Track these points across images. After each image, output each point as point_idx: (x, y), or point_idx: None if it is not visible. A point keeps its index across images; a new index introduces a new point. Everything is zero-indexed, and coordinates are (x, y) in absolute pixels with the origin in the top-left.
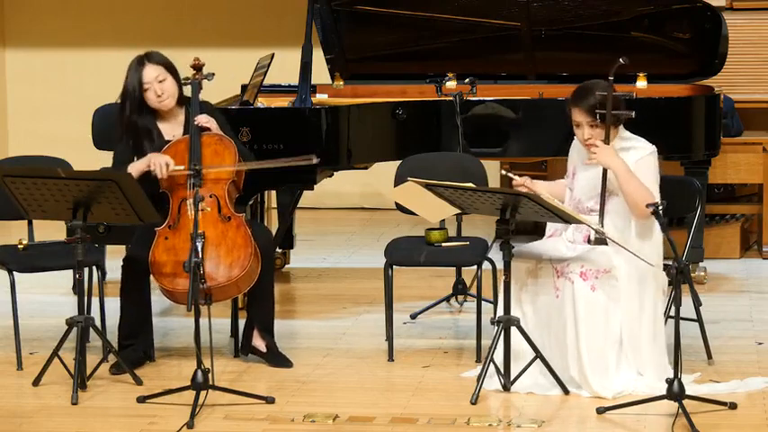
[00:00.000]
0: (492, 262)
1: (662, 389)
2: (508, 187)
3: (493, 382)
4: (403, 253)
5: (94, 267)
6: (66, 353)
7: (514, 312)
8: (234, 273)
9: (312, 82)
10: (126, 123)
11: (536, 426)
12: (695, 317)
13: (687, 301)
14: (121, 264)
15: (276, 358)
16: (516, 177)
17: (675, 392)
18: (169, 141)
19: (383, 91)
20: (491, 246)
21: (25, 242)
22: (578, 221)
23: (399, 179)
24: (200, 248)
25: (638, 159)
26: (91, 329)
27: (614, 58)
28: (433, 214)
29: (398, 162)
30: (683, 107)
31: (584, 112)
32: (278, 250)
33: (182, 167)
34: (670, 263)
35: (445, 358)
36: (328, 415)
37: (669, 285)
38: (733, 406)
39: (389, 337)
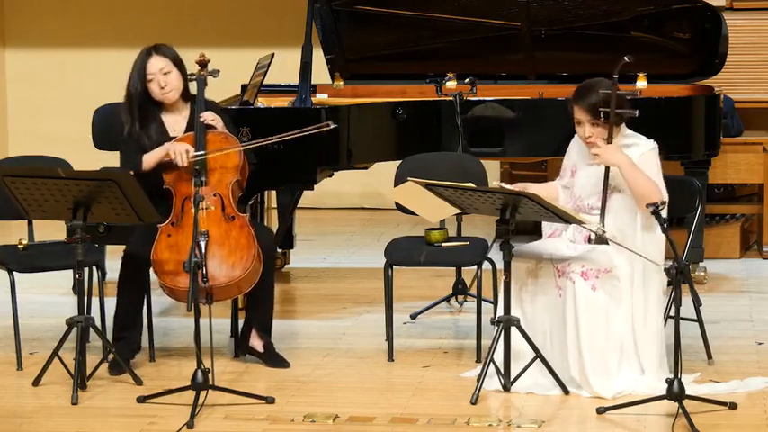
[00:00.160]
0: (492, 262)
1: (662, 389)
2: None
3: (493, 382)
4: (403, 253)
5: (94, 267)
6: (66, 353)
7: (514, 312)
8: (236, 273)
9: (312, 82)
10: (130, 111)
11: (536, 426)
12: (695, 317)
13: (687, 301)
14: (121, 258)
15: (273, 358)
16: (508, 186)
17: (675, 392)
18: (170, 135)
19: (383, 91)
20: (491, 246)
21: (25, 242)
22: (578, 222)
23: (399, 179)
24: (203, 247)
25: (640, 155)
26: (91, 329)
27: (614, 58)
28: (433, 214)
29: (398, 162)
30: (683, 107)
31: (585, 111)
32: (278, 250)
33: (203, 153)
34: (670, 263)
35: (445, 358)
36: (328, 415)
37: (669, 285)
38: (733, 406)
39: (389, 337)
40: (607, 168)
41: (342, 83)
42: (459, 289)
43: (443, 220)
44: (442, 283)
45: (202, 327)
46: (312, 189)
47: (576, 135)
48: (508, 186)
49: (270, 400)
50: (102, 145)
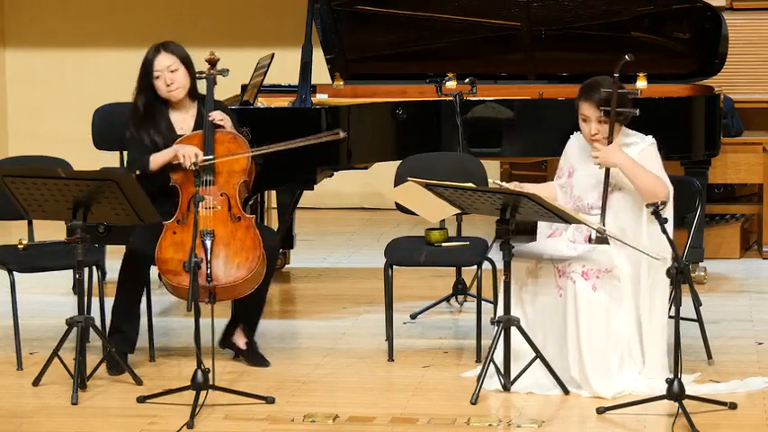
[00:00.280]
0: (492, 262)
1: (662, 389)
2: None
3: (493, 382)
4: (403, 253)
5: (94, 267)
6: (66, 353)
7: (515, 312)
8: (240, 274)
9: (312, 82)
10: (136, 106)
11: (536, 426)
12: (695, 317)
13: (687, 301)
14: (124, 254)
15: (254, 357)
16: (505, 184)
17: (675, 392)
18: (177, 133)
19: (383, 91)
20: (491, 246)
21: (25, 242)
22: (578, 221)
23: (399, 179)
24: (209, 246)
25: (639, 152)
26: (91, 329)
27: (614, 58)
28: (433, 214)
29: (398, 162)
30: (683, 107)
31: (594, 107)
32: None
33: (212, 157)
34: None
35: (445, 358)
36: (328, 415)
37: (669, 285)
38: (733, 406)
39: (389, 337)
40: (607, 167)
41: (342, 83)
42: (459, 289)
43: (443, 220)
44: (442, 283)
45: (202, 327)
46: (312, 189)
47: (572, 136)
48: (504, 184)
49: (270, 400)
50: (102, 145)
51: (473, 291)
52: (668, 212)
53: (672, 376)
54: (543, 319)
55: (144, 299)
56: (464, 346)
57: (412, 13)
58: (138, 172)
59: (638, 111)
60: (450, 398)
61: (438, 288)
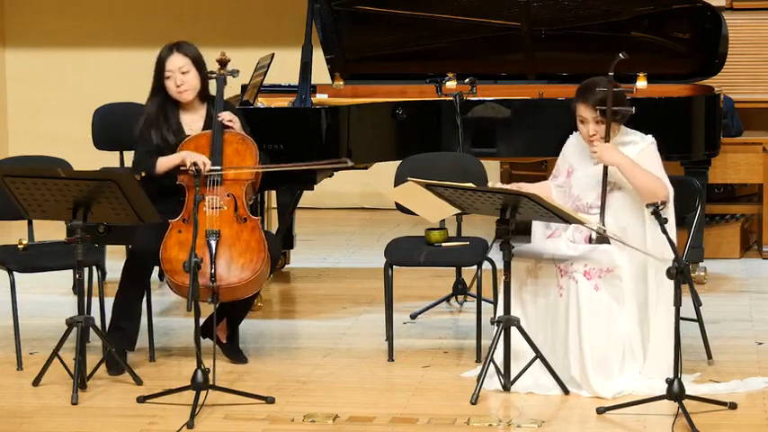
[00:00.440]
0: (492, 262)
1: (662, 389)
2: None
3: (493, 382)
4: (403, 253)
5: (94, 267)
6: (66, 353)
7: (515, 312)
8: (244, 275)
9: (312, 82)
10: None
11: (536, 426)
12: (695, 317)
13: (687, 301)
14: (129, 252)
15: (233, 351)
16: (502, 186)
17: (675, 392)
18: (186, 134)
19: (383, 91)
20: (491, 246)
21: (25, 242)
22: (578, 221)
23: (399, 179)
24: (213, 246)
25: (639, 151)
26: (91, 329)
27: (614, 58)
28: (433, 214)
29: (398, 162)
30: (683, 107)
31: (591, 108)
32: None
33: (219, 168)
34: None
35: (445, 358)
36: (328, 415)
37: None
38: (733, 406)
39: (389, 337)
40: (605, 167)
41: (342, 83)
42: (459, 289)
43: (443, 220)
44: (442, 283)
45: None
46: (312, 189)
47: (571, 136)
48: (501, 185)
49: (270, 400)
50: (102, 145)
51: (473, 291)
52: (669, 213)
53: (672, 376)
54: (544, 318)
55: (144, 299)
56: (464, 346)
57: (412, 13)
58: (143, 173)
59: (634, 109)
60: (450, 398)
61: (438, 288)
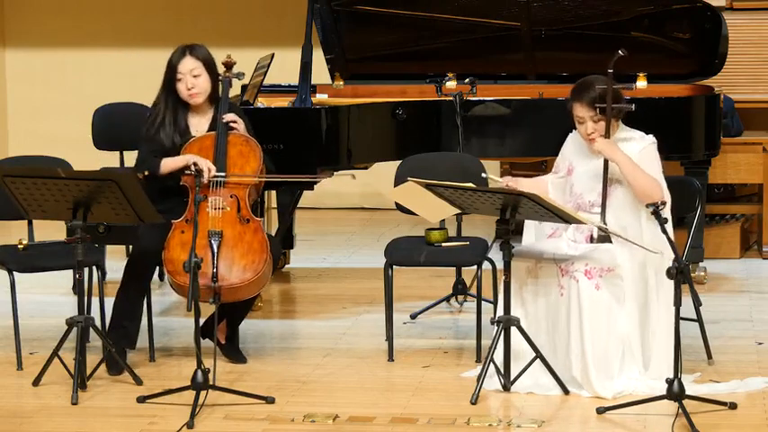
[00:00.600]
0: (492, 262)
1: (662, 389)
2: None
3: (493, 382)
4: (403, 253)
5: (94, 267)
6: (66, 353)
7: (515, 312)
8: (246, 276)
9: (312, 82)
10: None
11: (536, 426)
12: (695, 317)
13: (687, 301)
14: (131, 252)
15: (233, 352)
16: (497, 179)
17: (675, 392)
18: (192, 134)
19: (383, 91)
20: (491, 246)
21: (25, 242)
22: (578, 221)
23: (399, 179)
24: (215, 247)
25: (640, 150)
26: (91, 329)
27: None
28: (433, 214)
29: (398, 162)
30: (683, 107)
31: (586, 107)
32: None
33: (223, 174)
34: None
35: (445, 358)
36: (328, 415)
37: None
38: (733, 406)
39: (389, 337)
40: (606, 164)
41: (342, 83)
42: (459, 289)
43: (443, 220)
44: (442, 283)
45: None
46: (312, 189)
47: (570, 134)
48: (495, 178)
49: (270, 400)
50: (102, 145)
51: (473, 291)
52: (667, 214)
53: (672, 376)
54: (544, 318)
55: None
56: (464, 346)
57: (412, 13)
58: (146, 173)
59: (633, 106)
60: (450, 398)
61: (438, 288)
